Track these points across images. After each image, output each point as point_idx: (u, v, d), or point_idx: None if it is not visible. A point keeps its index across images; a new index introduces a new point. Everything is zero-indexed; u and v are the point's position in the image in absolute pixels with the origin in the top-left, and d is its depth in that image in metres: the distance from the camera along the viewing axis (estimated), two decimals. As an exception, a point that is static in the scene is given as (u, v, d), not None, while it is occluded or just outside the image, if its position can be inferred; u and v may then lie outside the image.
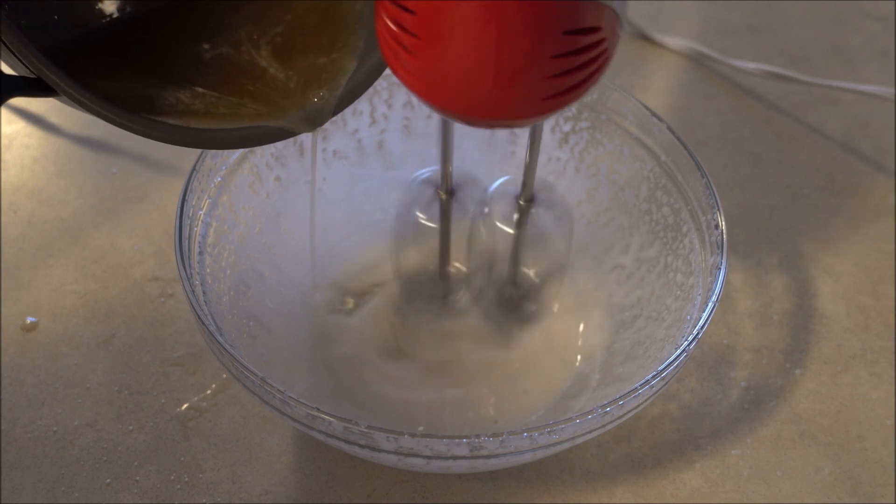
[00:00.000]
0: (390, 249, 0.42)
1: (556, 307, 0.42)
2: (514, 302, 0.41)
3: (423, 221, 0.39)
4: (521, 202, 0.38)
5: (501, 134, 0.45)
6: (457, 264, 0.42)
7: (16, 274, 0.44)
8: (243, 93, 0.32)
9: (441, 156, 0.36)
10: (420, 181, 0.39)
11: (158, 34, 0.32)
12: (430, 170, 0.39)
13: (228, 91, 0.32)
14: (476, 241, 0.40)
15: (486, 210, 0.39)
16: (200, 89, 0.32)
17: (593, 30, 0.26)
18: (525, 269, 0.41)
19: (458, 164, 0.38)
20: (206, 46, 0.32)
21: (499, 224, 0.39)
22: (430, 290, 0.42)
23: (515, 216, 0.38)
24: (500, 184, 0.39)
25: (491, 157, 0.45)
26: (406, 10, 0.26)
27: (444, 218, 0.39)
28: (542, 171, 0.44)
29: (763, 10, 0.63)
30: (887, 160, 0.52)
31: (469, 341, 0.41)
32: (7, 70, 0.26)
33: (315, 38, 0.33)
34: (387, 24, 0.27)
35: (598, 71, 0.27)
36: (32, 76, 0.25)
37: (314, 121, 0.32)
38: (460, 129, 0.36)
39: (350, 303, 0.42)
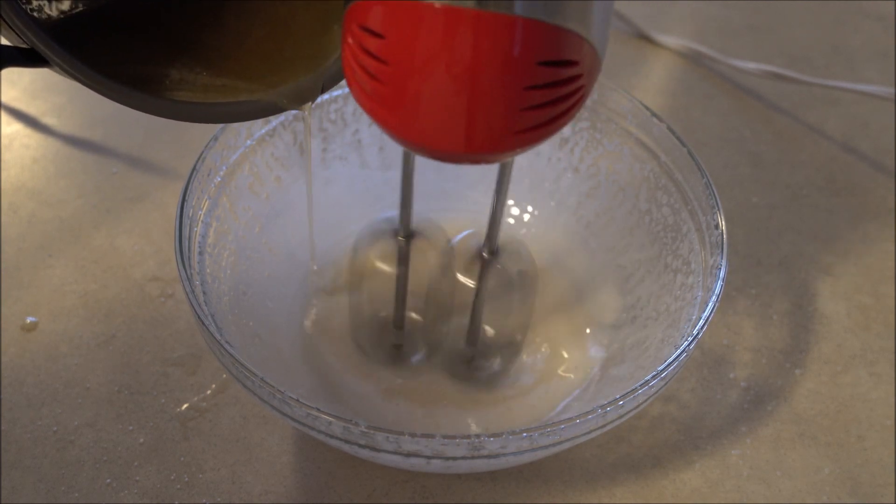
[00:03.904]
0: (346, 290, 0.40)
1: (511, 370, 0.39)
2: (470, 360, 0.39)
3: (379, 265, 0.37)
4: (485, 255, 0.36)
5: (469, 181, 0.44)
6: (413, 314, 0.40)
7: (16, 274, 0.44)
8: (234, 68, 0.32)
9: (401, 198, 0.35)
10: (380, 221, 0.37)
11: (153, 10, 0.32)
12: (393, 212, 0.37)
13: (220, 66, 0.32)
14: (436, 293, 0.38)
15: (449, 261, 0.37)
16: (192, 64, 0.32)
17: (569, 63, 0.25)
18: (485, 327, 0.38)
19: (422, 210, 0.37)
20: (199, 21, 0.32)
21: (460, 277, 0.37)
22: (383, 337, 0.40)
23: (478, 269, 0.36)
24: (465, 235, 0.37)
25: (457, 206, 0.44)
26: (374, 33, 0.25)
27: (402, 263, 0.37)
28: (543, 173, 0.44)
29: (763, 10, 0.63)
30: (887, 160, 0.52)
31: (425, 394, 0.39)
32: (3, 42, 0.26)
33: (307, 15, 0.33)
34: (352, 50, 0.26)
35: (573, 108, 0.26)
36: (26, 46, 0.25)
37: (304, 96, 0.32)
38: (430, 174, 0.33)
39: (348, 300, 0.42)
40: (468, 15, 0.23)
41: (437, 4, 0.23)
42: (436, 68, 0.24)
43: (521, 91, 0.25)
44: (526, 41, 0.24)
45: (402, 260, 0.37)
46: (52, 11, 0.29)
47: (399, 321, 0.39)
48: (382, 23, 0.24)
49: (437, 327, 0.39)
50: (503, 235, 0.36)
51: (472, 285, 0.37)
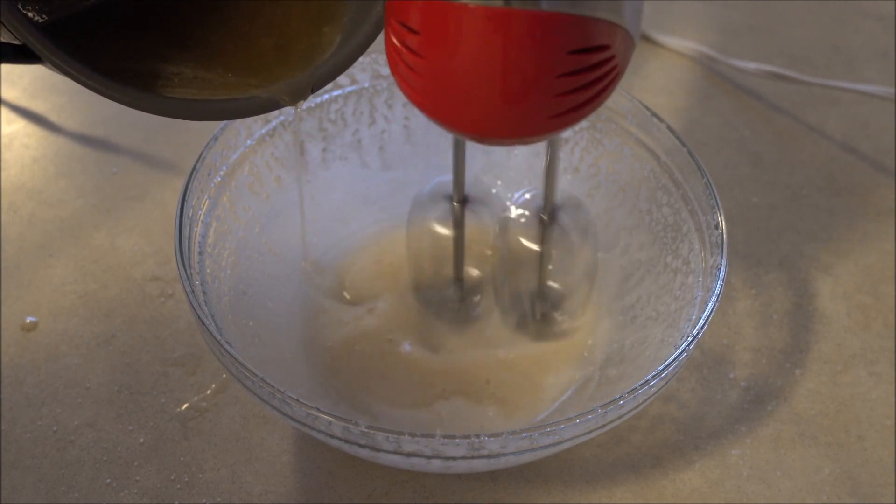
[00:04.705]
0: (406, 253, 0.41)
1: (582, 318, 0.40)
2: (542, 315, 0.40)
3: (435, 228, 0.38)
4: (543, 217, 0.37)
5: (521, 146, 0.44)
6: (474, 270, 0.41)
7: (16, 274, 0.44)
8: (230, 64, 0.32)
9: (454, 163, 0.36)
10: (433, 186, 0.38)
11: (148, 7, 0.32)
12: (447, 177, 0.38)
13: (215, 62, 0.32)
14: (496, 253, 0.39)
15: (507, 224, 0.38)
16: (187, 61, 0.32)
17: (601, 48, 0.26)
18: (551, 283, 0.40)
19: (475, 174, 0.37)
20: (194, 19, 0.32)
21: (521, 240, 0.38)
22: (445, 293, 0.41)
23: (538, 232, 0.37)
24: (522, 197, 0.38)
25: (512, 166, 0.44)
26: (410, 29, 0.26)
27: (458, 226, 0.38)
28: (543, 173, 0.44)
29: (763, 10, 0.63)
30: (887, 160, 0.52)
31: (481, 347, 0.40)
32: None
33: (303, 11, 0.33)
34: (393, 43, 0.27)
35: (609, 87, 0.27)
36: (18, 43, 0.25)
37: (299, 93, 0.32)
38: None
39: (348, 301, 0.42)
40: (497, 13, 0.24)
41: (470, 4, 0.24)
42: (468, 63, 0.25)
43: (554, 79, 0.26)
44: (554, 34, 0.25)
45: (458, 223, 0.38)
46: (45, 8, 0.29)
47: (459, 276, 0.40)
48: (417, 20, 0.26)
49: (497, 282, 0.40)
50: (558, 192, 0.37)
51: (533, 248, 0.38)
